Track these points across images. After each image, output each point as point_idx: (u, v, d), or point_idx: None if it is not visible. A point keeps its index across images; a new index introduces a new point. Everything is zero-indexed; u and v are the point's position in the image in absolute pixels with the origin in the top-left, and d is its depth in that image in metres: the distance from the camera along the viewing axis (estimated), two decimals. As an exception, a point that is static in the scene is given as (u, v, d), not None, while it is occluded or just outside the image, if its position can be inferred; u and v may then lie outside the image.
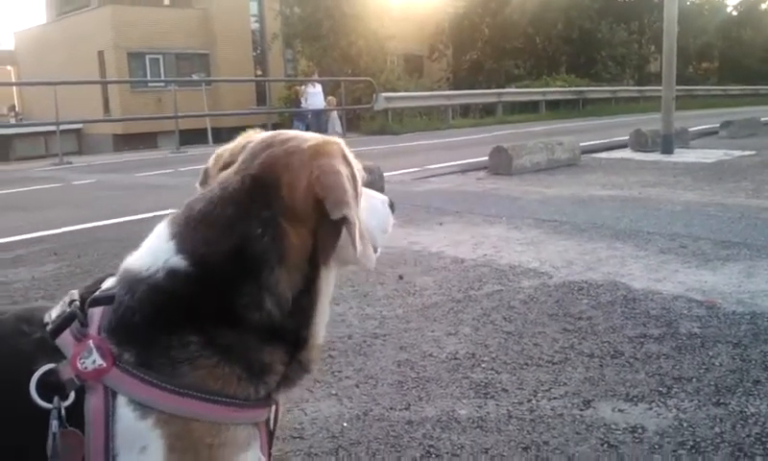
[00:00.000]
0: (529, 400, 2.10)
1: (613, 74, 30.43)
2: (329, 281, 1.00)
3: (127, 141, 20.90)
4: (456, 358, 2.45)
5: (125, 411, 0.85)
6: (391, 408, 2.09)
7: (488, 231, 4.55)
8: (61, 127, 14.35)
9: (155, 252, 0.92)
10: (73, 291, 0.96)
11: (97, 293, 0.93)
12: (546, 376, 2.27)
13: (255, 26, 27.11)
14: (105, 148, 20.86)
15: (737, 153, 9.08)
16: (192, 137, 16.74)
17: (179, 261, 0.89)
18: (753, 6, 39.62)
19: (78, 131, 23.39)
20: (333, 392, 2.21)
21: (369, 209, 1.08)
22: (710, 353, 2.42)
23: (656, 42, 30.85)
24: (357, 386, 2.25)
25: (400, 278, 3.50)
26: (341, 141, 1.00)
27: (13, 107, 27.54)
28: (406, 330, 2.75)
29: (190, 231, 0.92)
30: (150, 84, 24.06)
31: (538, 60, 30.13)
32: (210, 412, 0.87)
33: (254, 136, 1.02)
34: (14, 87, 28.42)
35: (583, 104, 25.80)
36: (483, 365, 2.38)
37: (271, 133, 1.02)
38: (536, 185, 6.68)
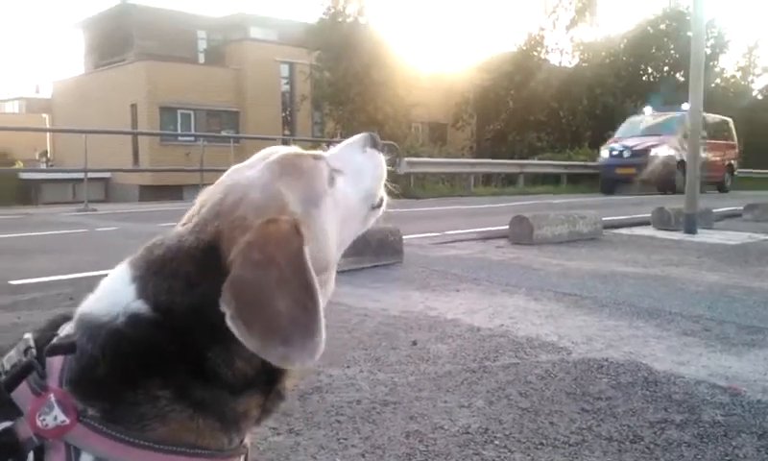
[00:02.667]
0: (543, 483, 2.00)
1: (637, 151, 30.50)
2: None
3: (153, 192, 21.29)
4: (468, 433, 2.35)
5: None
6: (397, 482, 2.00)
7: (506, 301, 4.48)
8: (90, 175, 14.65)
9: (113, 295, 0.86)
10: (27, 336, 0.88)
11: (55, 340, 0.85)
12: (562, 458, 2.17)
13: (286, 88, 27.85)
14: (131, 198, 21.26)
15: (762, 236, 8.94)
16: (216, 192, 16.95)
17: (140, 306, 0.84)
18: (778, 90, 39.86)
19: (106, 180, 23.91)
20: (338, 460, 2.13)
21: (353, 177, 1.06)
22: (734, 444, 2.30)
23: (680, 122, 31.03)
24: (363, 455, 2.16)
25: (414, 343, 3.42)
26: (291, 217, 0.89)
27: (45, 152, 28.29)
28: (417, 399, 2.67)
29: (151, 277, 0.86)
30: (180, 139, 24.63)
31: (561, 133, 30.42)
32: None
33: (213, 189, 0.97)
34: (48, 135, 29.26)
35: (605, 179, 25.80)
36: (496, 442, 2.28)
37: (224, 188, 0.95)
38: (556, 257, 6.60)
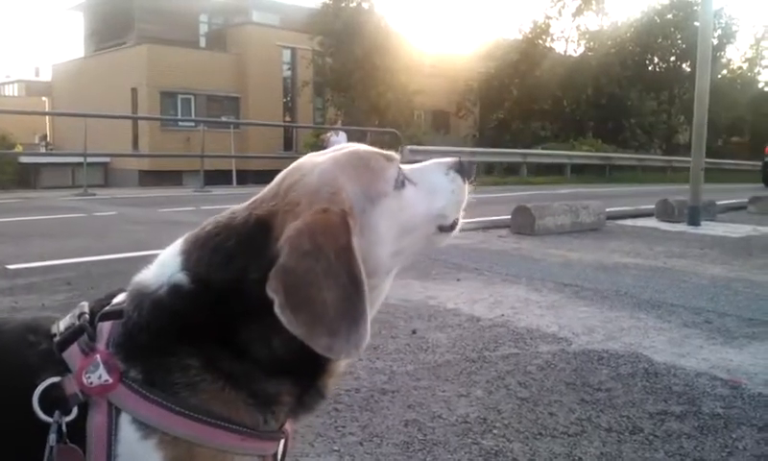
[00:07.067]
0: (541, 474, 1.98)
1: (641, 142, 30.45)
2: None
3: (153, 178, 21.20)
4: (466, 422, 2.34)
5: (128, 430, 0.82)
6: (394, 471, 1.98)
7: (506, 291, 4.45)
8: (89, 160, 14.60)
9: (161, 266, 0.91)
10: (83, 303, 0.94)
11: (108, 307, 0.91)
12: (561, 448, 2.15)
13: (287, 73, 27.67)
14: (131, 183, 21.16)
15: (767, 229, 8.90)
16: (217, 178, 16.92)
17: (182, 277, 0.88)
18: (786, 83, 39.65)
19: (105, 165, 23.81)
20: (335, 448, 2.11)
21: (426, 192, 1.04)
22: (734, 436, 2.28)
23: (685, 113, 30.93)
24: (361, 444, 2.15)
25: (413, 332, 3.40)
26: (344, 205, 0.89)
27: (45, 136, 28.15)
28: (416, 388, 2.65)
29: (196, 250, 0.90)
30: (180, 124, 24.51)
31: (565, 123, 30.31)
32: (215, 438, 0.83)
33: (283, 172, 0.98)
34: (48, 118, 29.14)
35: (609, 170, 25.75)
36: (494, 431, 2.26)
37: (289, 170, 0.97)
38: (558, 248, 6.57)
